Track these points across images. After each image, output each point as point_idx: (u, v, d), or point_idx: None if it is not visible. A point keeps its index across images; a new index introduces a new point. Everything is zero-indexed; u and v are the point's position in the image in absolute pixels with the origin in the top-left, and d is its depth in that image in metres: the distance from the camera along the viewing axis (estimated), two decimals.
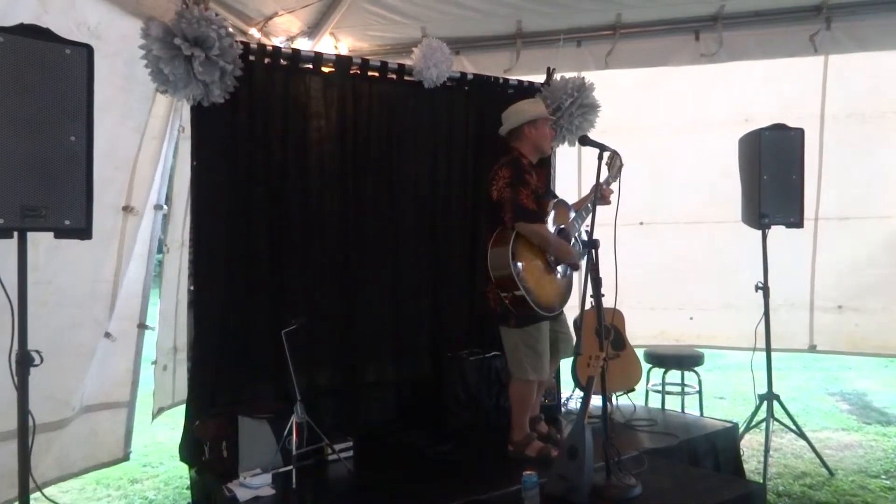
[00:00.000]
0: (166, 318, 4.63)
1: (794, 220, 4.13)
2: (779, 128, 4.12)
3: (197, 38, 3.14)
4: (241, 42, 3.49)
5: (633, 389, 4.30)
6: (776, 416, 4.11)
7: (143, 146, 3.61)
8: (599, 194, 3.26)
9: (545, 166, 3.58)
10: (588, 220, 3.23)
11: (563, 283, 3.42)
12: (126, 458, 4.06)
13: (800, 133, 4.12)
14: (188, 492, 3.73)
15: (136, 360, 4.05)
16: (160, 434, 5.14)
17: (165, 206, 4.11)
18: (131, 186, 3.59)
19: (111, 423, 3.94)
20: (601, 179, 3.26)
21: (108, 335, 3.67)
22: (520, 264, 3.19)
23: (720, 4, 4.55)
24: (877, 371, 6.99)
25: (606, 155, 3.22)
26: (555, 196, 3.52)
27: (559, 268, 3.38)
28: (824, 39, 4.59)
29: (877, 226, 4.76)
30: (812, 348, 4.93)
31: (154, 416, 4.65)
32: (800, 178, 4.11)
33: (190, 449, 3.34)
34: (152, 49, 3.11)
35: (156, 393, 4.60)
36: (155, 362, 4.56)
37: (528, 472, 2.77)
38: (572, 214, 3.49)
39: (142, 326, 3.97)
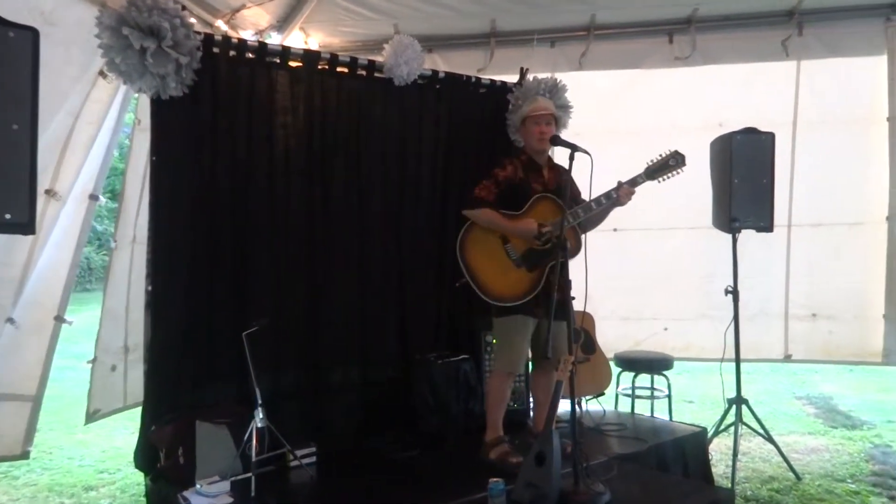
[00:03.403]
0: (114, 317, 4.43)
1: (765, 224, 4.13)
2: (750, 132, 4.12)
3: (149, 28, 3.02)
4: (205, 34, 3.38)
5: (602, 393, 4.26)
6: (745, 420, 4.10)
7: (75, 130, 3.45)
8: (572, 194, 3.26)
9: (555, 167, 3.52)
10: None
11: (531, 276, 3.29)
12: (25, 456, 3.80)
13: (770, 137, 4.12)
14: (144, 500, 3.59)
15: (49, 354, 3.84)
16: (118, 439, 4.99)
17: (103, 198, 3.92)
18: (58, 170, 3.42)
19: (13, 416, 3.72)
20: (632, 177, 3.31)
21: (10, 321, 3.47)
22: (467, 252, 3.30)
23: (693, 7, 4.55)
24: (842, 375, 7.08)
25: (663, 157, 3.31)
26: (556, 195, 3.39)
27: (525, 260, 3.29)
28: (796, 45, 4.63)
29: (848, 232, 4.77)
30: (787, 358, 4.93)
31: (89, 418, 4.43)
32: (770, 183, 4.12)
33: (145, 455, 3.22)
34: (104, 38, 2.98)
35: (92, 393, 4.37)
36: (93, 361, 4.35)
37: (494, 480, 2.71)
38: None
39: (59, 319, 3.76)
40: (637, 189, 3.35)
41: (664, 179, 3.38)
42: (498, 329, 3.43)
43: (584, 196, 3.27)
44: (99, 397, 4.32)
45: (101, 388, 4.32)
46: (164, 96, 3.21)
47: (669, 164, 3.35)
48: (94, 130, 3.52)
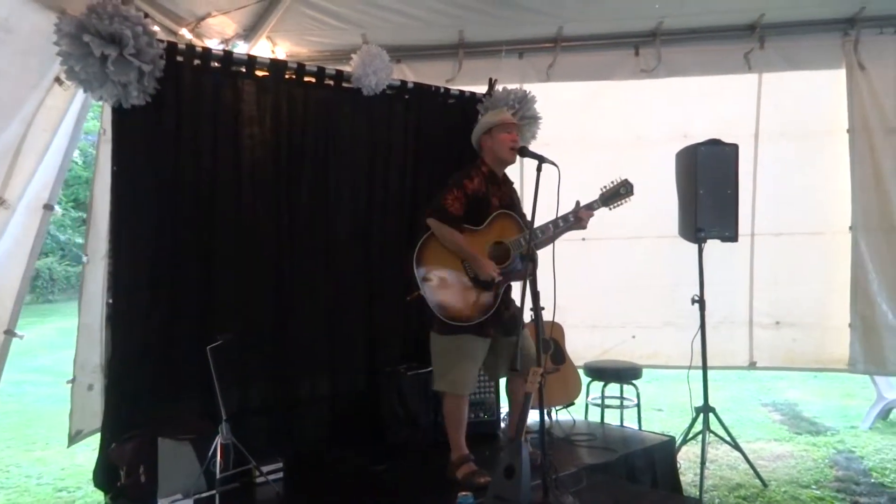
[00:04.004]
0: (89, 334, 4.31)
1: (729, 234, 4.19)
2: (714, 143, 4.19)
3: (111, 36, 2.96)
4: (168, 42, 3.33)
5: (572, 403, 4.27)
6: (712, 428, 4.14)
7: (28, 137, 3.33)
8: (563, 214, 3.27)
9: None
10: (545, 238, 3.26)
11: (487, 294, 3.22)
12: None
13: (734, 148, 4.20)
14: None
15: None
16: (79, 456, 4.84)
17: (58, 208, 3.81)
18: (8, 179, 3.30)
19: None
20: (587, 203, 3.33)
21: None
22: (425, 264, 3.19)
23: (658, 20, 4.62)
24: (806, 381, 7.20)
25: (614, 184, 3.37)
26: (508, 210, 3.36)
27: (484, 279, 3.22)
28: (758, 58, 4.72)
29: (809, 242, 4.87)
30: (752, 365, 4.99)
31: (72, 440, 4.32)
32: (734, 193, 4.19)
33: (105, 474, 3.14)
34: (63, 45, 2.91)
35: (73, 414, 4.28)
36: (72, 381, 4.24)
37: (463, 494, 2.69)
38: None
39: (9, 333, 3.60)
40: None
41: (615, 206, 3.42)
42: (442, 347, 3.26)
43: (548, 206, 3.22)
44: (79, 418, 4.17)
45: (81, 407, 4.18)
46: (126, 105, 3.15)
47: (620, 192, 3.41)
48: (49, 138, 3.41)
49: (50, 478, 4.69)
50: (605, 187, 3.41)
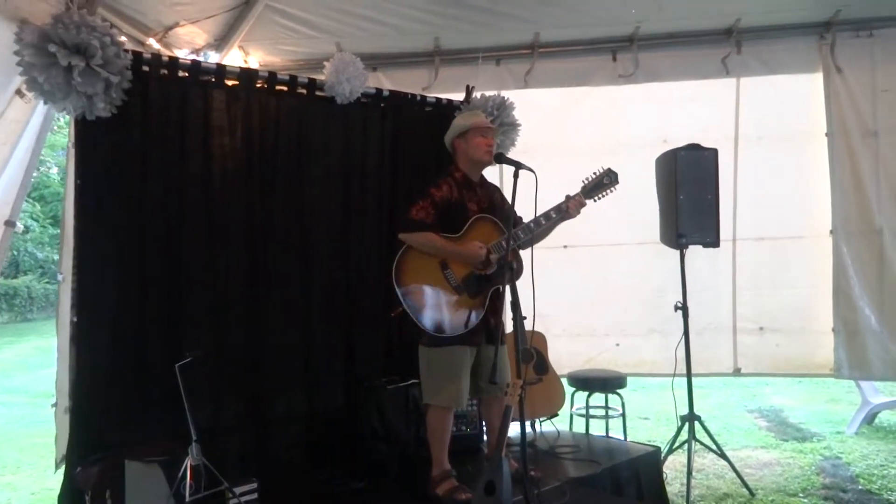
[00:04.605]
0: (65, 356, 4.18)
1: (711, 239, 4.15)
2: (693, 148, 4.16)
3: (77, 46, 2.88)
4: (133, 51, 3.24)
5: (556, 414, 4.20)
6: (698, 436, 4.08)
7: None
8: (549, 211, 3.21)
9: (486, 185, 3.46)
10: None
11: (473, 302, 3.16)
12: None
13: (713, 153, 4.17)
14: None
15: None
16: (50, 479, 4.68)
17: (20, 224, 3.70)
18: None
19: None
20: (576, 192, 3.27)
21: None
22: (403, 283, 3.11)
23: (635, 26, 4.59)
24: (791, 387, 7.19)
25: (597, 175, 3.28)
26: (488, 213, 3.29)
27: (467, 286, 3.16)
28: (735, 62, 4.70)
29: (791, 246, 4.83)
30: (737, 371, 4.94)
31: (58, 466, 4.16)
32: (715, 198, 4.15)
33: (70, 498, 3.02)
34: (25, 56, 2.81)
35: (58, 439, 4.11)
36: (54, 405, 4.10)
37: None
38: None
39: None
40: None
41: (600, 198, 3.35)
42: (432, 360, 3.17)
43: (526, 213, 3.18)
44: (64, 442, 4.04)
45: (64, 432, 4.04)
46: (91, 117, 3.07)
47: (604, 182, 3.32)
48: (9, 151, 3.30)
49: (19, 503, 4.53)
50: (587, 179, 3.33)
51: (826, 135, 4.67)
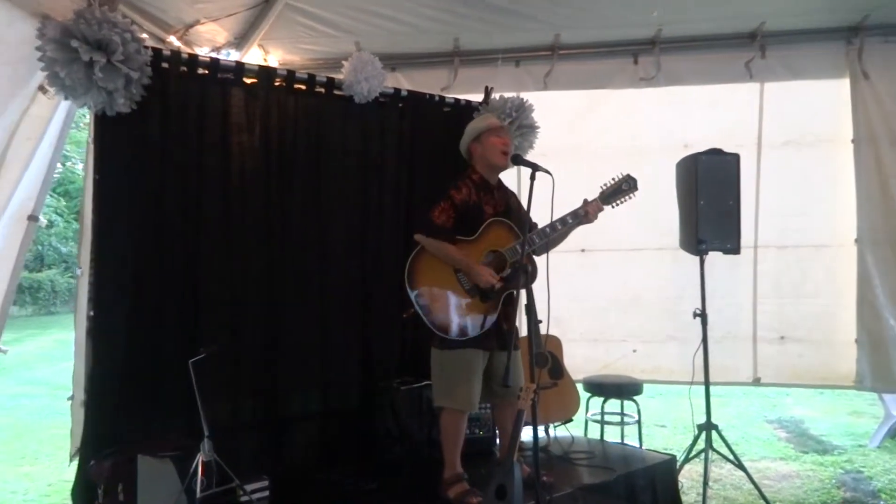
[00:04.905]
0: (82, 350, 4.22)
1: (732, 246, 4.08)
2: (715, 153, 4.09)
3: (99, 42, 2.90)
4: (153, 48, 3.26)
5: (571, 419, 4.15)
6: (715, 446, 4.01)
7: (12, 147, 3.27)
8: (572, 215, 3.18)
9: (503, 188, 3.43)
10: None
11: (485, 306, 3.12)
12: None
13: (735, 158, 4.09)
14: None
15: None
16: (68, 471, 4.73)
17: (44, 219, 3.75)
18: None
19: None
20: (593, 197, 3.22)
21: None
22: (417, 284, 3.09)
23: (657, 28, 4.54)
24: (813, 398, 7.05)
25: (615, 181, 3.24)
26: (503, 217, 3.25)
27: (482, 290, 3.12)
28: (759, 67, 4.63)
29: (814, 255, 4.74)
30: (756, 381, 4.84)
31: (72, 459, 4.21)
32: (736, 204, 4.07)
33: (83, 492, 3.04)
34: (47, 51, 2.84)
35: (73, 432, 4.17)
36: (71, 398, 4.14)
37: None
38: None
39: None
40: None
41: (618, 204, 3.30)
42: (444, 363, 3.15)
43: (542, 216, 3.13)
44: (79, 435, 4.09)
45: (79, 425, 4.08)
46: (111, 112, 3.09)
47: (623, 188, 3.27)
48: (33, 147, 3.34)
49: (35, 494, 4.60)
50: (605, 184, 3.28)
51: (852, 141, 4.58)
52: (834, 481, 4.51)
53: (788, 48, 4.63)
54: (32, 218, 3.50)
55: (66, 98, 3.06)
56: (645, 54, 4.70)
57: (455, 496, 3.08)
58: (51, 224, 17.14)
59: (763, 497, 3.97)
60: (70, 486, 4.44)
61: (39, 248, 17.78)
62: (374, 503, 3.20)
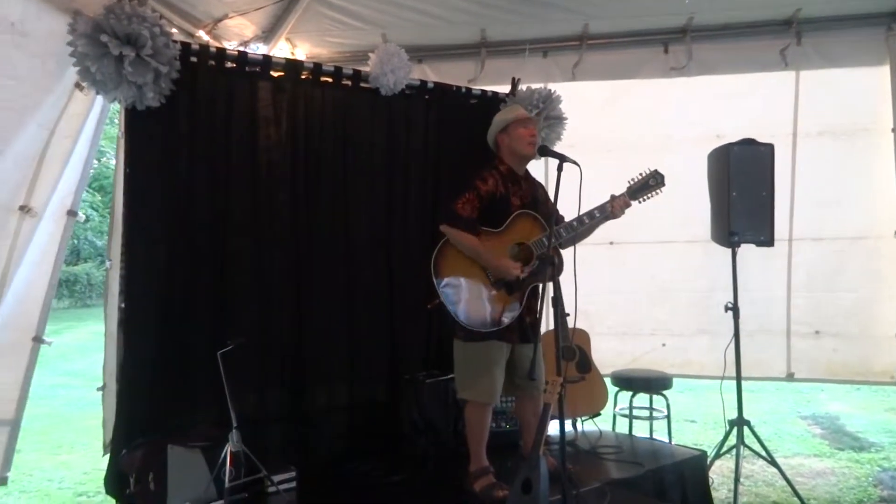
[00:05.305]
0: (113, 341, 4.30)
1: (765, 238, 3.98)
2: (748, 143, 3.99)
3: (128, 36, 2.93)
4: (182, 42, 3.28)
5: (598, 414, 4.11)
6: (747, 441, 3.94)
7: (51, 144, 3.31)
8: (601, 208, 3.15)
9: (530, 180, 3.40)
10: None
11: (510, 299, 3.10)
12: (2, 482, 3.59)
13: (770, 149, 3.99)
14: None
15: (28, 376, 3.63)
16: (102, 461, 4.83)
17: (81, 214, 3.81)
18: (33, 186, 3.28)
19: None
20: (621, 192, 3.19)
21: None
22: (442, 273, 3.08)
23: (689, 16, 4.44)
24: (849, 394, 6.89)
25: (643, 176, 3.20)
26: (530, 209, 3.22)
27: (507, 283, 3.10)
28: (795, 54, 4.51)
29: (851, 247, 4.61)
30: (790, 377, 4.74)
31: (106, 448, 4.29)
32: (770, 195, 3.97)
33: (115, 481, 3.10)
34: (78, 46, 2.88)
35: (105, 422, 4.25)
36: (102, 388, 4.22)
37: None
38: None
39: (37, 340, 3.58)
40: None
41: (645, 199, 3.25)
42: (467, 354, 3.15)
43: (569, 207, 3.09)
44: (111, 426, 4.17)
45: (111, 415, 4.16)
46: (141, 106, 3.13)
47: (650, 183, 3.22)
48: (71, 144, 3.40)
49: (71, 482, 4.70)
50: (632, 180, 3.23)
51: (892, 130, 4.44)
52: (871, 479, 4.40)
53: (825, 35, 4.51)
54: (72, 213, 3.57)
55: (97, 93, 3.10)
56: (675, 43, 4.61)
57: (481, 489, 3.07)
58: (87, 219, 17.50)
59: (796, 494, 3.89)
60: (103, 475, 4.56)
61: (76, 241, 18.18)
62: (399, 495, 3.21)
